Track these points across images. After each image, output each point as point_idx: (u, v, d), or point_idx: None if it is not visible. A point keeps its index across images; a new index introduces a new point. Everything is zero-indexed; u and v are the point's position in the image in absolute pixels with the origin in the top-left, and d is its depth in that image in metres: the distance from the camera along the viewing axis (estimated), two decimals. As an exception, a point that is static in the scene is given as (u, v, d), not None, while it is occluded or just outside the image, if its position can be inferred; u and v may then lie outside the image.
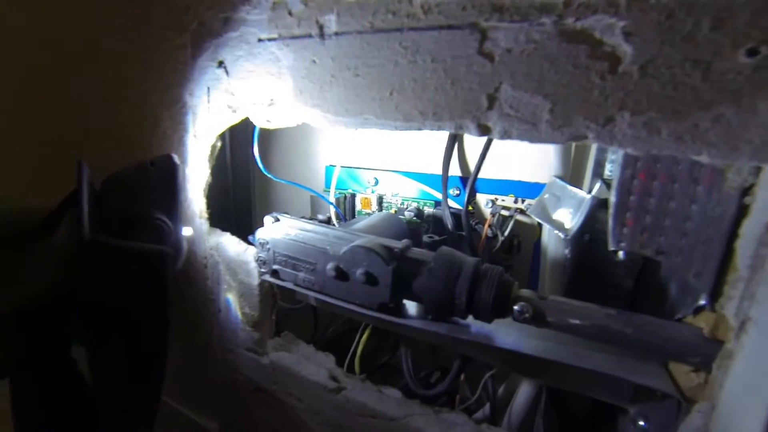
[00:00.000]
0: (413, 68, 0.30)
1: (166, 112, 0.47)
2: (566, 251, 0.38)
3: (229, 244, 0.47)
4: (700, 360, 0.28)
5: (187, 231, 0.48)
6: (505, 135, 0.28)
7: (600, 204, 0.37)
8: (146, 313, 0.29)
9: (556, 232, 0.38)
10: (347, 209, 0.60)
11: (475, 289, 0.34)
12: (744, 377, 0.23)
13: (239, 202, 0.70)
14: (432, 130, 0.31)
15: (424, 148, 0.55)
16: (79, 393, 0.27)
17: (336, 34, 0.32)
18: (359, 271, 0.37)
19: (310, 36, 0.33)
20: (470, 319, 0.36)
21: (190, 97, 0.44)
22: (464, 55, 0.28)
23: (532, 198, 0.49)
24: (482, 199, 0.52)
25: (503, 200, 0.51)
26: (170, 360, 0.37)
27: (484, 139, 0.47)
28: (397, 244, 0.38)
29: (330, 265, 0.38)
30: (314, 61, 0.34)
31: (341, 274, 0.38)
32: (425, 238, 0.46)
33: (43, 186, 0.51)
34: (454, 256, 0.36)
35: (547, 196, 0.40)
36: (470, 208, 0.53)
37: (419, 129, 0.31)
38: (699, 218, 0.27)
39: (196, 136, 0.45)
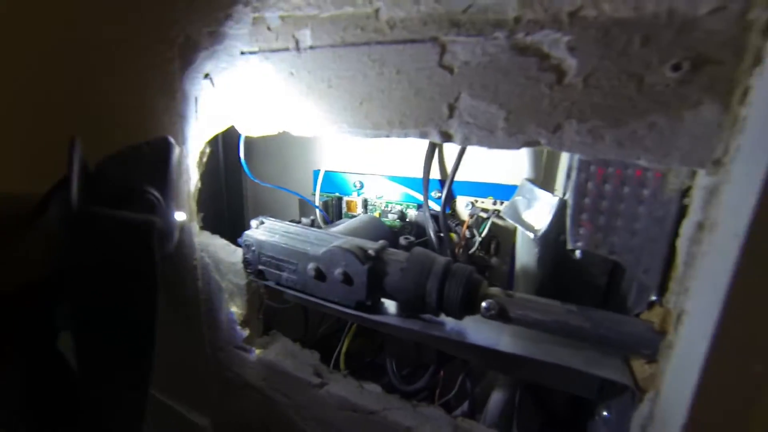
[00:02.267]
0: (380, 79, 0.32)
1: (158, 121, 0.49)
2: (536, 251, 0.40)
3: (219, 246, 0.49)
4: (650, 352, 0.29)
5: (180, 216, 0.49)
6: (466, 141, 0.30)
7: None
8: (134, 294, 0.29)
9: (526, 232, 0.40)
10: (334, 212, 0.61)
11: (445, 287, 0.36)
12: (679, 364, 0.25)
13: (232, 205, 0.73)
14: (398, 137, 0.33)
15: (407, 152, 0.57)
16: (64, 385, 0.28)
17: (311, 47, 0.34)
18: (337, 271, 0.38)
19: (287, 49, 0.35)
20: (443, 317, 0.38)
21: (179, 106, 0.47)
22: (426, 67, 0.30)
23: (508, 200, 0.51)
24: (462, 201, 0.54)
25: (482, 202, 0.53)
26: (162, 355, 0.39)
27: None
28: (373, 245, 0.39)
29: (310, 266, 0.40)
30: (292, 73, 0.36)
31: (320, 274, 0.40)
32: (401, 239, 0.48)
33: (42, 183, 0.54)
34: (426, 256, 0.38)
35: (518, 198, 0.42)
36: (450, 210, 0.55)
37: (387, 136, 0.33)
38: (646, 219, 0.28)
39: (186, 143, 0.47)
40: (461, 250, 0.50)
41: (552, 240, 0.39)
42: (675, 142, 0.23)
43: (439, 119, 0.30)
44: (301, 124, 0.37)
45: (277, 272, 0.43)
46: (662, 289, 0.28)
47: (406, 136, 0.32)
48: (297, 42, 0.35)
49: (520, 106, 0.28)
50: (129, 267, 0.28)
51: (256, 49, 0.38)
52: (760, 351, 0.20)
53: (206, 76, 0.44)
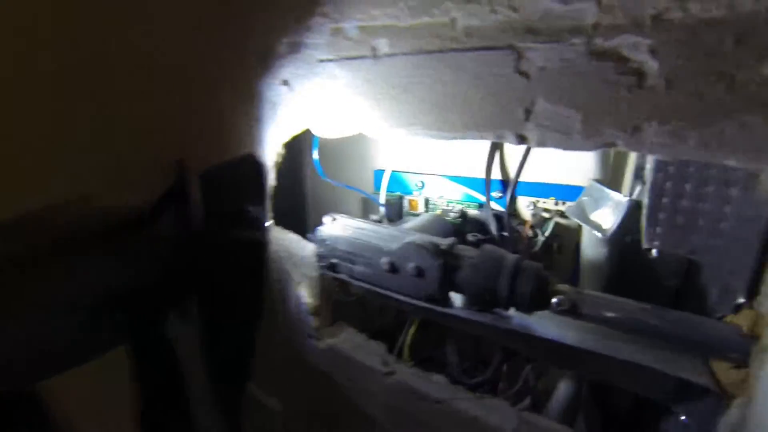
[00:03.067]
0: (457, 85, 0.33)
1: (240, 124, 0.53)
2: (604, 251, 0.40)
3: (291, 240, 0.53)
4: (739, 356, 0.29)
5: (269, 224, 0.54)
6: (541, 144, 0.31)
7: (639, 206, 0.38)
8: (246, 300, 0.32)
9: (594, 232, 0.40)
10: (396, 210, 0.64)
11: (516, 283, 0.37)
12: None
13: (294, 203, 0.77)
14: (474, 139, 0.34)
15: (468, 153, 0.58)
16: (175, 372, 0.32)
17: (388, 55, 0.36)
18: (410, 265, 0.41)
19: (364, 57, 0.38)
20: (512, 311, 0.39)
21: (258, 110, 0.51)
22: (503, 73, 0.31)
23: (573, 200, 0.51)
24: (524, 201, 0.55)
25: (544, 203, 0.53)
26: None
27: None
28: (445, 241, 0.41)
29: (384, 260, 0.42)
30: (368, 79, 0.38)
31: (393, 268, 0.42)
32: (470, 236, 0.49)
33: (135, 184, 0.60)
34: (497, 253, 0.39)
35: (585, 198, 0.42)
36: (513, 210, 0.55)
37: (462, 138, 0.35)
38: (734, 219, 0.28)
39: (262, 145, 0.52)
40: (524, 250, 0.51)
41: (619, 240, 0.39)
42: None
43: (516, 122, 0.32)
44: (376, 127, 0.40)
45: (350, 265, 0.46)
46: (751, 292, 0.28)
47: (481, 138, 0.34)
48: (374, 50, 0.37)
49: (597, 108, 0.28)
50: (243, 283, 0.31)
51: (333, 57, 0.41)
52: None
53: (284, 82, 0.47)
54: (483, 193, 0.56)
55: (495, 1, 0.30)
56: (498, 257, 0.38)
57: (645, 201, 0.31)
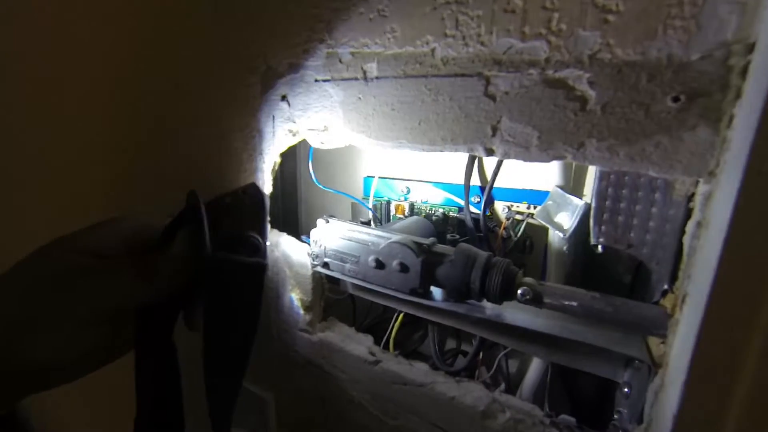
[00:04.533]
0: (435, 105, 0.39)
1: (239, 135, 0.58)
2: (565, 249, 0.46)
3: (287, 241, 0.58)
4: (663, 332, 0.35)
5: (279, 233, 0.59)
6: (506, 156, 0.37)
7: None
8: (245, 315, 0.36)
9: (557, 232, 0.46)
10: (383, 214, 0.69)
11: (487, 277, 0.43)
12: (681, 340, 0.31)
13: (288, 208, 0.82)
14: (450, 151, 0.40)
15: (450, 162, 0.64)
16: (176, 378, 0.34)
17: (377, 77, 0.42)
18: (395, 262, 0.46)
19: (356, 79, 0.43)
20: (484, 302, 0.45)
21: (258, 123, 0.56)
22: (474, 96, 0.37)
23: (542, 204, 0.57)
24: (500, 205, 0.61)
25: (518, 206, 0.59)
26: None
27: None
28: (425, 241, 0.47)
29: (371, 258, 0.48)
30: (359, 98, 0.44)
31: (380, 265, 0.47)
32: (449, 236, 0.55)
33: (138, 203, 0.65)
34: (471, 250, 0.45)
35: (550, 202, 0.48)
36: (489, 213, 0.61)
37: (440, 151, 0.40)
38: (658, 218, 0.34)
39: (262, 154, 0.57)
40: (499, 249, 0.56)
41: (579, 238, 0.45)
42: (677, 157, 0.29)
43: (484, 137, 0.37)
44: (366, 140, 0.45)
45: (341, 264, 0.51)
46: (673, 279, 0.34)
47: (456, 150, 0.39)
48: (365, 72, 0.43)
49: (550, 127, 0.34)
50: (243, 300, 0.34)
51: (328, 77, 0.46)
52: (743, 321, 0.26)
53: (283, 98, 0.53)
54: (463, 198, 0.62)
55: (468, 37, 0.36)
56: (472, 254, 0.44)
57: (592, 204, 0.37)
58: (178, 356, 0.34)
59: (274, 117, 0.54)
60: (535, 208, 0.58)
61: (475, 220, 0.59)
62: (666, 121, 0.29)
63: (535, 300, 0.41)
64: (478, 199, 0.62)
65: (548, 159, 0.35)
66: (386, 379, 0.52)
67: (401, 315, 0.61)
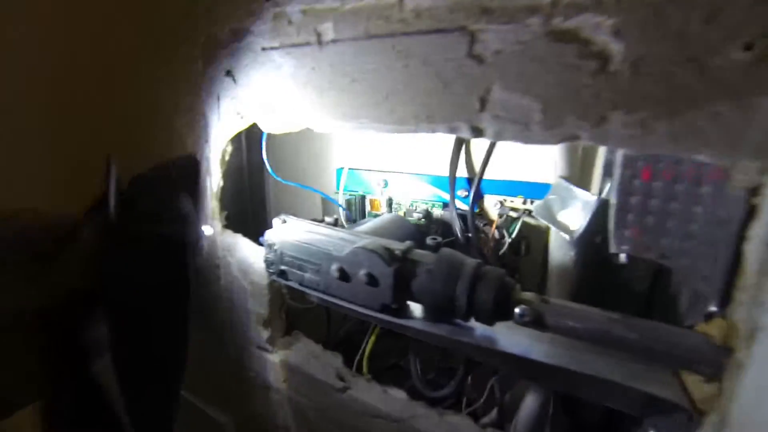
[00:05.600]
0: (406, 72, 0.30)
1: (183, 119, 0.49)
2: (571, 254, 0.37)
3: (241, 245, 0.49)
4: (711, 370, 0.27)
5: (207, 230, 0.50)
6: (498, 137, 0.28)
7: (608, 206, 0.35)
8: (168, 305, 0.30)
9: (561, 233, 0.37)
10: (357, 211, 0.60)
11: (475, 291, 0.34)
12: (754, 390, 0.22)
13: (255, 204, 0.72)
14: (425, 132, 0.31)
15: (434, 149, 0.55)
16: (104, 404, 0.28)
17: (333, 41, 0.33)
18: (361, 272, 0.37)
19: (309, 44, 0.34)
20: (473, 321, 0.36)
21: (202, 105, 0.46)
22: (455, 57, 0.28)
23: (542, 199, 0.49)
24: (491, 200, 0.52)
25: (512, 201, 0.51)
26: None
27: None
28: (399, 246, 0.38)
29: (333, 266, 0.39)
30: (313, 68, 0.35)
31: (344, 275, 0.38)
32: (428, 240, 0.46)
33: (69, 192, 0.55)
34: (455, 258, 0.36)
35: (552, 197, 0.39)
36: (478, 209, 0.52)
37: (413, 132, 0.31)
38: (704, 220, 0.25)
39: (208, 142, 0.47)
40: (490, 252, 0.48)
41: (589, 242, 0.36)
42: (744, 134, 0.20)
43: (470, 113, 0.28)
44: (322, 121, 0.36)
45: (300, 272, 0.42)
46: (724, 299, 0.25)
47: (433, 131, 0.30)
48: (319, 36, 0.33)
49: (557, 97, 0.25)
50: (165, 279, 0.29)
51: (277, 44, 0.37)
52: None
53: (228, 73, 0.43)
54: (448, 192, 0.53)
55: (445, -23, 0.27)
56: (456, 262, 0.35)
57: (612, 200, 0.28)
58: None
59: (219, 96, 0.45)
60: (532, 203, 0.50)
61: (463, 217, 0.50)
62: (731, 81, 0.20)
63: (537, 322, 0.32)
64: (466, 194, 0.53)
65: (554, 140, 0.26)
66: (356, 410, 0.43)
67: (377, 327, 0.52)
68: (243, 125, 0.44)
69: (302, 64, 0.35)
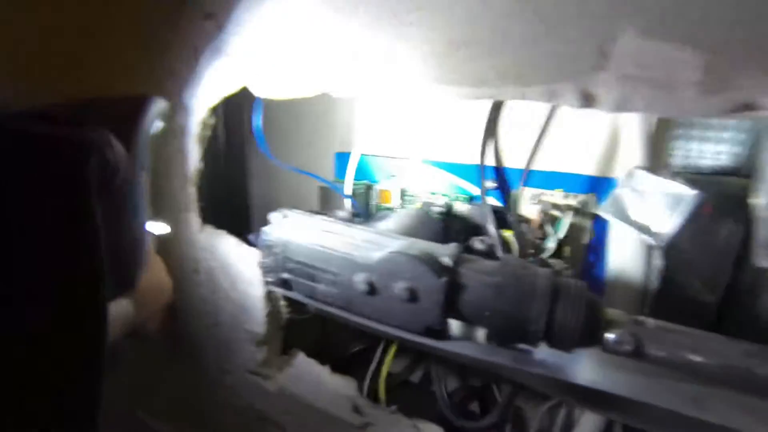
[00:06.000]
0: (490, 9, 0.21)
1: (149, 80, 0.37)
2: (658, 262, 0.30)
3: (227, 245, 0.38)
4: None
5: (163, 228, 0.39)
6: (621, 107, 0.20)
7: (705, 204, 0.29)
8: (57, 252, 0.20)
9: (644, 237, 0.30)
10: (363, 205, 0.51)
11: (555, 312, 0.26)
12: None
13: (234, 193, 0.61)
14: (510, 98, 0.23)
15: (456, 131, 0.47)
16: None
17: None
18: (399, 286, 0.28)
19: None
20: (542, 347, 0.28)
21: (172, 61, 0.35)
22: (571, -14, 0.19)
23: (584, 193, 0.42)
24: (525, 194, 0.44)
25: (551, 195, 0.43)
26: (156, 379, 0.28)
27: (540, 115, 0.39)
28: (447, 251, 0.29)
29: (359, 277, 0.30)
30: (341, 7, 0.25)
31: (373, 289, 0.30)
32: (475, 242, 0.37)
33: None
34: (526, 268, 0.28)
35: (626, 190, 0.32)
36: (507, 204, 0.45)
37: (492, 98, 0.23)
38: None
39: (186, 110, 0.36)
40: (531, 256, 0.40)
41: (681, 248, 0.29)
42: None
43: (582, 71, 0.20)
44: (355, 81, 0.27)
45: (310, 283, 0.33)
46: None
47: (522, 97, 0.22)
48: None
49: (733, 47, 0.18)
50: (49, 216, 0.19)
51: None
52: None
53: (209, 16, 0.32)
54: (474, 183, 0.45)
55: None
56: (528, 275, 0.27)
57: (763, 202, 0.21)
58: None
59: (195, 49, 0.34)
60: (574, 197, 0.42)
61: (496, 213, 0.42)
62: None
63: (637, 351, 0.25)
64: (495, 185, 0.45)
65: (717, 112, 0.19)
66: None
67: (395, 344, 0.43)
68: (231, 88, 0.34)
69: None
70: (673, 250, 0.30)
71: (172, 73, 0.34)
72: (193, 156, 0.37)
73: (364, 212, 0.50)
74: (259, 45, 0.30)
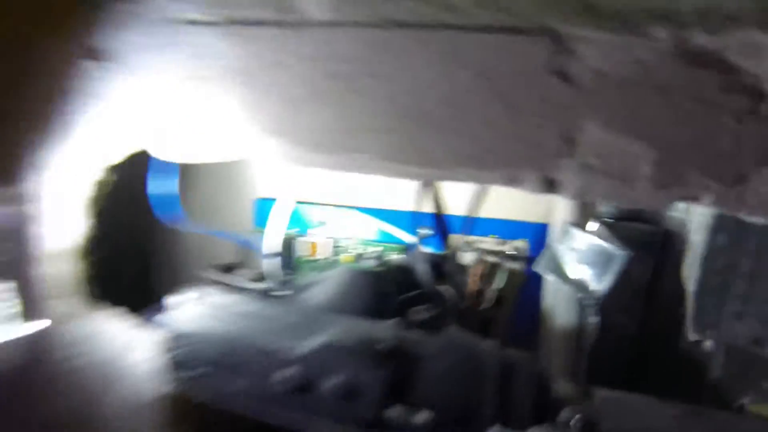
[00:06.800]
0: (449, 84, 0.20)
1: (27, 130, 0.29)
2: (591, 319, 0.31)
3: (114, 331, 0.31)
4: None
5: (41, 323, 0.30)
6: (582, 194, 0.20)
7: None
8: None
9: (580, 295, 0.31)
10: (283, 259, 0.46)
11: (508, 391, 0.25)
12: None
13: (134, 259, 0.49)
14: (463, 181, 0.21)
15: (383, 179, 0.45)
16: None
17: (324, 24, 0.20)
18: (332, 382, 0.25)
19: (278, 24, 0.21)
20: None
21: (60, 108, 0.28)
22: (532, 72, 0.19)
23: (516, 239, 0.43)
24: (456, 240, 0.44)
25: (485, 242, 0.43)
26: None
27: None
28: (386, 333, 0.27)
29: (285, 373, 0.25)
30: (280, 63, 0.21)
31: (304, 386, 0.25)
32: (415, 314, 0.34)
33: None
34: (471, 343, 0.26)
35: (559, 247, 0.33)
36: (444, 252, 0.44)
37: (447, 180, 0.21)
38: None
39: (68, 167, 0.28)
40: (473, 312, 0.39)
41: (615, 307, 0.31)
42: None
43: (545, 158, 0.19)
44: (285, 150, 0.23)
45: (225, 380, 0.27)
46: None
47: (476, 181, 0.21)
48: (300, 12, 0.20)
49: (681, 144, 0.18)
50: None
51: (214, 18, 0.22)
52: None
53: (106, 57, 0.26)
54: (408, 231, 0.43)
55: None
56: (474, 351, 0.26)
57: (690, 273, 0.23)
58: None
59: (87, 96, 0.27)
60: (509, 244, 0.43)
61: (433, 265, 0.41)
62: None
63: (588, 428, 0.24)
64: (430, 233, 0.44)
65: (664, 202, 0.19)
66: None
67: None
68: (130, 148, 0.28)
69: (259, 54, 0.22)
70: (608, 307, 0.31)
71: (62, 126, 0.27)
72: (79, 224, 0.29)
73: (288, 268, 0.44)
74: (175, 99, 0.24)
